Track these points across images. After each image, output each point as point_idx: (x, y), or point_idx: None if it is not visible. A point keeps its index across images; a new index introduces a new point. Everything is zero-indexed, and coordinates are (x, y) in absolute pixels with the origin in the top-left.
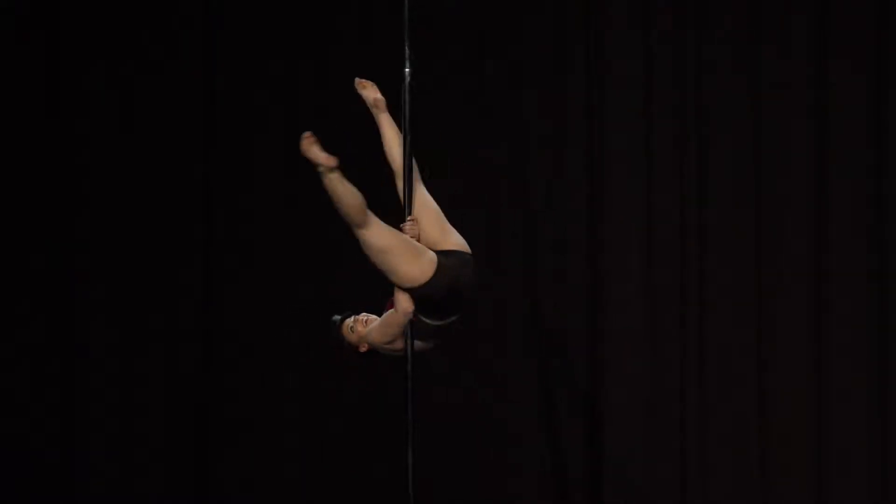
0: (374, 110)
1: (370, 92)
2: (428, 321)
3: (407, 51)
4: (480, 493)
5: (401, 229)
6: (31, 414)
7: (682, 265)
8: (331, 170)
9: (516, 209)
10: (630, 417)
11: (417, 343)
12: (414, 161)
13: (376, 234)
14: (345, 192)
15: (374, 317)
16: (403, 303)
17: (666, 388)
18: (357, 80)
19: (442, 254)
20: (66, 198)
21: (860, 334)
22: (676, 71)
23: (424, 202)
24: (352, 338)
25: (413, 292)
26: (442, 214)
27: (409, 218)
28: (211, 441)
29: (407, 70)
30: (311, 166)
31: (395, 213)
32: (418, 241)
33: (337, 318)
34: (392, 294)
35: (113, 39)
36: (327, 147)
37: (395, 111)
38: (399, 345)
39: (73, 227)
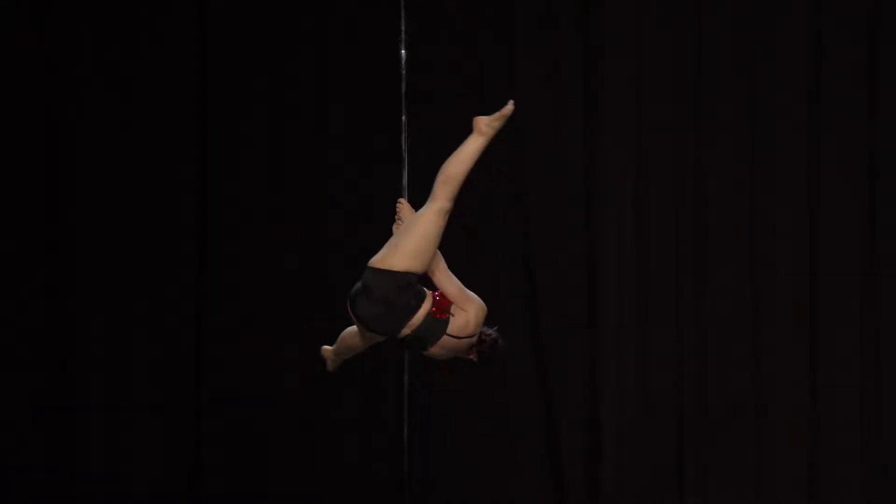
0: (480, 128)
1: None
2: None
3: (403, 31)
4: (480, 494)
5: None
6: (27, 417)
7: (677, 264)
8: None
9: (513, 209)
10: (628, 417)
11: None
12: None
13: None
14: (348, 349)
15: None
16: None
17: (663, 388)
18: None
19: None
20: (64, 196)
21: (856, 333)
22: (676, 67)
23: (417, 224)
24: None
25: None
26: (417, 244)
27: (399, 200)
28: (205, 439)
29: (403, 52)
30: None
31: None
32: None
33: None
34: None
35: (109, 41)
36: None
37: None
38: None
39: (72, 226)
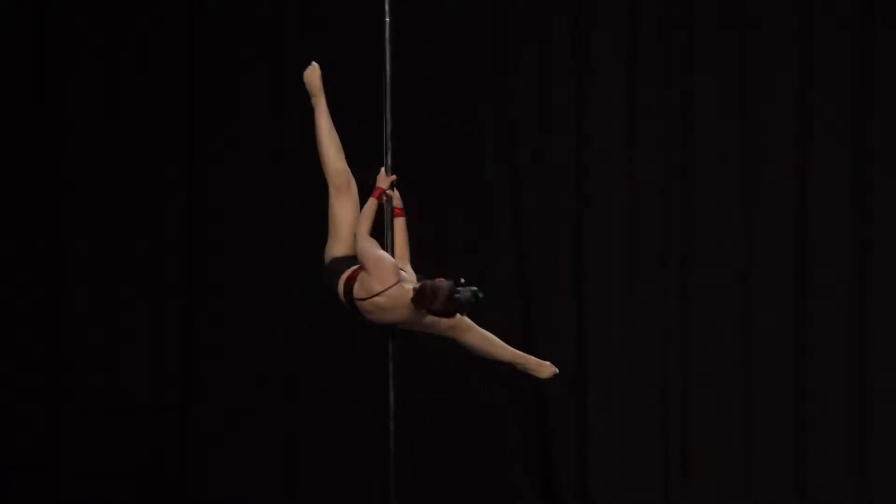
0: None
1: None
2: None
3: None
4: (473, 495)
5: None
6: (26, 417)
7: (669, 264)
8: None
9: (505, 208)
10: (618, 418)
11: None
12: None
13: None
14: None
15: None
16: None
17: (651, 388)
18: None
19: None
20: (64, 196)
21: (844, 327)
22: (672, 66)
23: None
24: None
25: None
26: (330, 233)
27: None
28: (199, 441)
29: (387, 20)
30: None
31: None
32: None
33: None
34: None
35: (100, 36)
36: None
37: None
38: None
39: (71, 225)
